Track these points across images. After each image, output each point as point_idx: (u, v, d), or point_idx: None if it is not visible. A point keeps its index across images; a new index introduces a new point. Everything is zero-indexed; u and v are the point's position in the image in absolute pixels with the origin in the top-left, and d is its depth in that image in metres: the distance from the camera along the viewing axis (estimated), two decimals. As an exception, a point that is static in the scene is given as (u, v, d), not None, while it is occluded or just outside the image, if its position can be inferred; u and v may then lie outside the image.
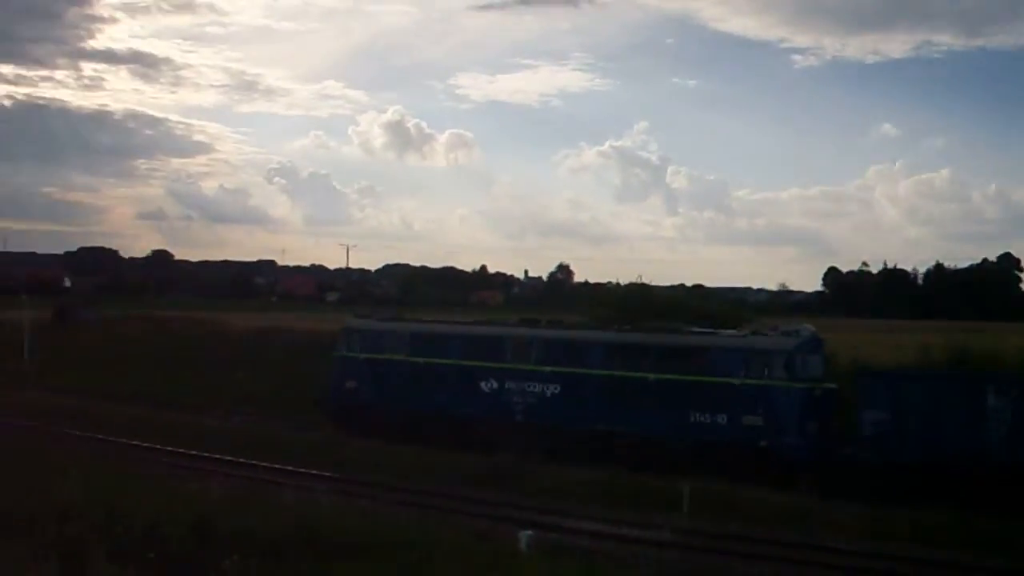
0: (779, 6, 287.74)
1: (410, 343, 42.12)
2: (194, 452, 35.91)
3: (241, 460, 34.66)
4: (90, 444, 37.00)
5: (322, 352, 47.53)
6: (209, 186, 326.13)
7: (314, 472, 32.66)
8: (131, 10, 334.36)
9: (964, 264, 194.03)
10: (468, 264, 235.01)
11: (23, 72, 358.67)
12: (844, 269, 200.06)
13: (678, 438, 34.51)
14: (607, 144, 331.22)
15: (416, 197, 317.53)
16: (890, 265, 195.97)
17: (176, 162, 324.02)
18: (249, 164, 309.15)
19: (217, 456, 35.20)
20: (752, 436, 33.54)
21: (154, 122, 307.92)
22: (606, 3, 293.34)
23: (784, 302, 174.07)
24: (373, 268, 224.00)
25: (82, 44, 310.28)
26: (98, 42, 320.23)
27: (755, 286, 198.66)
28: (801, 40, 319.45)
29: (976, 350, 42.86)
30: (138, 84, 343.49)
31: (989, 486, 28.99)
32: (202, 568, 16.64)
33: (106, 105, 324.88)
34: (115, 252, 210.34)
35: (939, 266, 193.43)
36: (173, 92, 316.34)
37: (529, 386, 38.33)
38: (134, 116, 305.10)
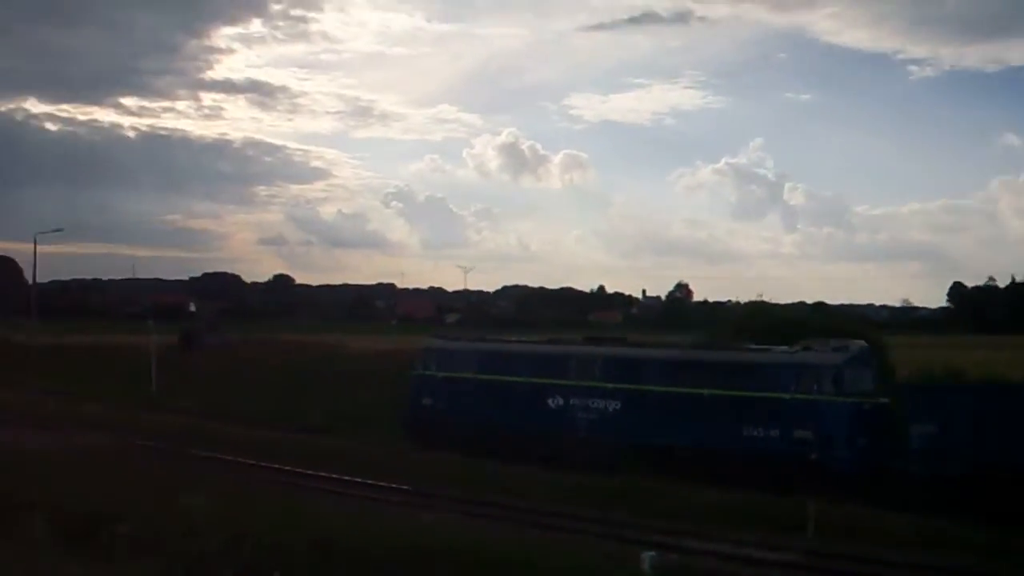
0: (894, 17, 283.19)
1: (482, 361, 43.65)
2: (315, 472, 36.15)
3: (357, 479, 34.84)
4: (215, 464, 37.52)
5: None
6: (327, 211, 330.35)
7: (429, 492, 32.64)
8: (247, 40, 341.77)
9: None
10: (585, 284, 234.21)
11: (146, 104, 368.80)
12: (969, 284, 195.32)
13: (732, 452, 35.04)
14: (722, 161, 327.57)
15: (532, 218, 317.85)
16: (1019, 279, 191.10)
17: (295, 188, 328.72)
18: (366, 189, 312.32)
19: (336, 476, 35.44)
20: (802, 450, 34.02)
21: (272, 149, 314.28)
22: (717, 20, 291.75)
23: (908, 319, 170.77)
24: (491, 289, 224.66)
25: (201, 75, 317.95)
26: (216, 73, 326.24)
27: (877, 303, 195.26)
28: (917, 51, 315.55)
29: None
30: (256, 112, 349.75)
31: None
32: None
33: (226, 134, 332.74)
34: (238, 277, 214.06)
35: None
36: (290, 120, 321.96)
37: (592, 402, 39.42)
38: (253, 144, 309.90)
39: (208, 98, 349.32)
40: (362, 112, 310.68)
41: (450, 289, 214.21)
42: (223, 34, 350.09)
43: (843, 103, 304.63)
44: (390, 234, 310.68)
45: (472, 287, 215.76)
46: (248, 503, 24.57)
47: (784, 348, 37.60)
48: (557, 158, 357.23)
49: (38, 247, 67.42)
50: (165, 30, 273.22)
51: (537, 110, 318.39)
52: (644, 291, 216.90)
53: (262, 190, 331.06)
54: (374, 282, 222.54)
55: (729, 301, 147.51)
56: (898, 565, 24.98)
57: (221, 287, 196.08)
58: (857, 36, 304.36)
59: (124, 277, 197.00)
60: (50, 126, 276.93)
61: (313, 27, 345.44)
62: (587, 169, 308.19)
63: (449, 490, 33.01)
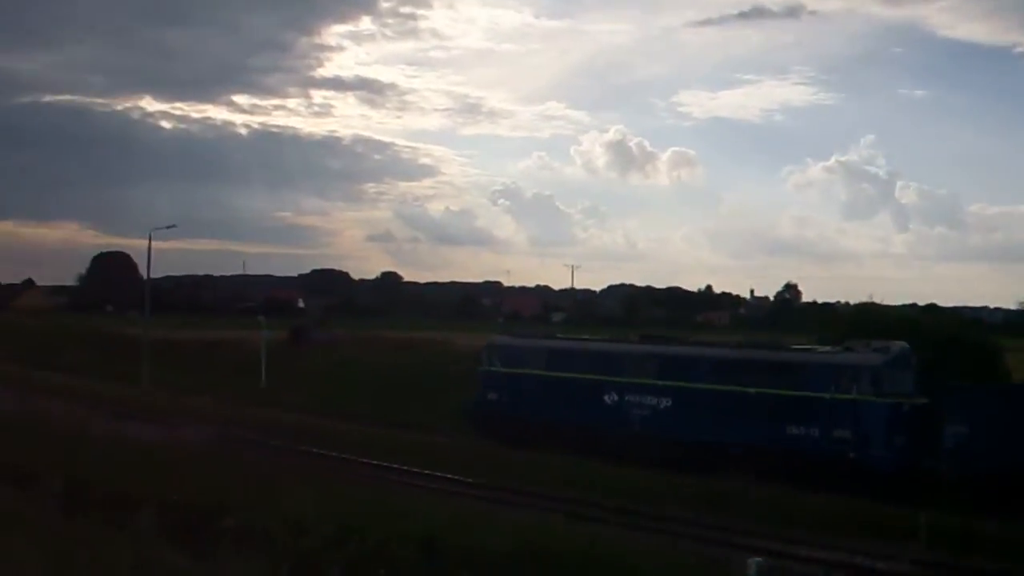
0: (1012, 9, 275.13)
1: (543, 358, 45.72)
2: (421, 470, 36.16)
3: (460, 478, 34.91)
4: (321, 460, 37.75)
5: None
6: (435, 208, 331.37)
7: (534, 491, 32.56)
8: (357, 38, 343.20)
9: None
10: (693, 284, 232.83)
11: (257, 102, 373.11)
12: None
13: (775, 450, 35.91)
14: (833, 159, 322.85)
15: (639, 216, 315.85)
16: None
17: (403, 185, 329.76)
18: (474, 186, 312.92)
19: (440, 474, 35.43)
20: (841, 448, 34.98)
21: (381, 147, 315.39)
22: (829, 14, 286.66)
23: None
24: (598, 288, 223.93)
25: (311, 73, 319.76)
26: (326, 70, 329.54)
27: (992, 305, 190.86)
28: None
29: None
30: (365, 110, 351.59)
31: None
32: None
33: (335, 131, 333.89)
34: (346, 274, 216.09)
35: None
36: (398, 117, 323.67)
37: (645, 399, 40.96)
38: (362, 141, 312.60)
39: (318, 95, 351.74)
40: (470, 109, 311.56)
41: (556, 287, 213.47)
42: (333, 32, 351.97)
43: (958, 99, 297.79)
44: (497, 231, 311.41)
45: (579, 285, 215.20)
46: (354, 500, 24.56)
47: (827, 348, 39.02)
48: (665, 155, 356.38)
49: (152, 243, 68.13)
50: (276, 28, 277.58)
51: (645, 107, 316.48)
52: (752, 291, 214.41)
53: (371, 187, 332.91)
54: (481, 280, 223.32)
55: (838, 302, 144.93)
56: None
57: (330, 284, 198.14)
58: (973, 29, 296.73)
59: (235, 273, 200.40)
60: (165, 124, 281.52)
61: (422, 24, 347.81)
62: (695, 166, 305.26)
63: (550, 489, 32.96)
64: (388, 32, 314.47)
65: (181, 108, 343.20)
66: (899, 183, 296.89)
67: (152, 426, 42.46)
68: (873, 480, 33.11)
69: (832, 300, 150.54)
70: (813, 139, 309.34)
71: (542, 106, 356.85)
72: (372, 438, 43.17)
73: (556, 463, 36.60)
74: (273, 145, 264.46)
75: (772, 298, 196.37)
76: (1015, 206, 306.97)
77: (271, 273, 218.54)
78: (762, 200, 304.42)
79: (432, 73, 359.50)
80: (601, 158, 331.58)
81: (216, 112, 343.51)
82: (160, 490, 24.20)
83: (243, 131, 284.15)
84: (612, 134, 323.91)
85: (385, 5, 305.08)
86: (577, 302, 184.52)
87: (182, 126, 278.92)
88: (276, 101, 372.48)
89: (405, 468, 36.47)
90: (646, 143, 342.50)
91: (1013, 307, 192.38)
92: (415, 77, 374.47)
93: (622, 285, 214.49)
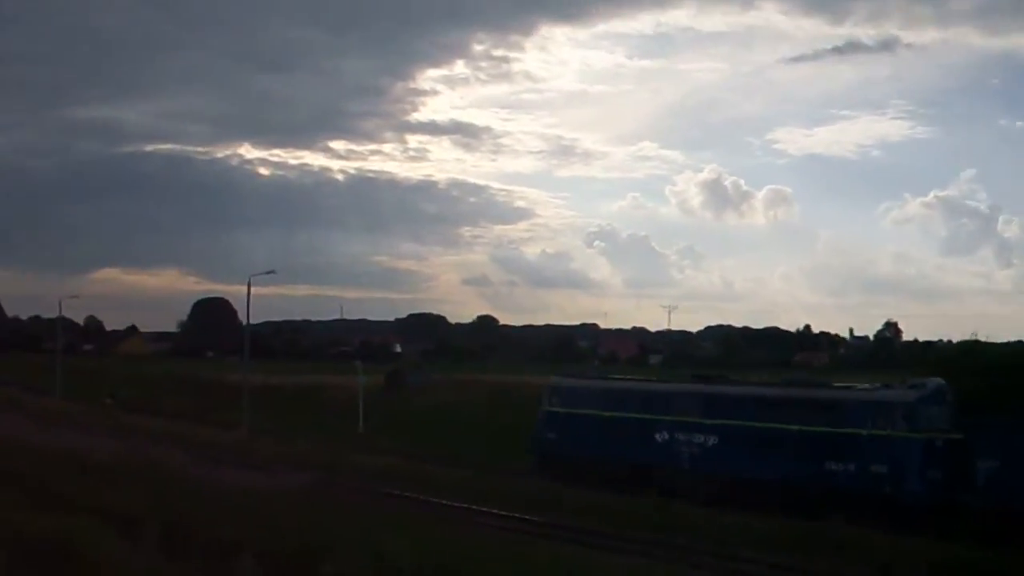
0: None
1: (597, 398, 47.26)
2: (519, 515, 35.87)
3: (557, 522, 34.53)
4: (419, 505, 37.63)
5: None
6: (531, 251, 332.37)
7: (620, 534, 32.39)
8: (451, 82, 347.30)
9: None
10: (791, 323, 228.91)
11: (354, 147, 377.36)
12: None
13: (815, 485, 37.01)
14: (931, 194, 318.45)
15: (736, 256, 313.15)
16: None
17: (498, 228, 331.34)
18: (569, 228, 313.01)
19: (538, 519, 35.15)
20: (878, 483, 35.84)
21: (476, 190, 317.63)
22: (925, 46, 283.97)
23: None
24: (695, 329, 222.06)
25: (407, 117, 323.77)
26: (422, 114, 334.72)
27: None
28: None
29: None
30: (460, 153, 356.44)
31: None
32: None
33: (430, 175, 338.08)
34: (442, 318, 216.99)
35: None
36: (493, 160, 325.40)
37: (694, 436, 42.20)
38: (457, 185, 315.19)
39: (414, 140, 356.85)
40: (564, 151, 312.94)
41: (653, 329, 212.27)
42: (428, 76, 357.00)
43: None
44: (593, 273, 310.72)
45: (675, 327, 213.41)
46: (451, 545, 24.39)
47: (865, 386, 40.54)
48: (761, 194, 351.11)
49: (251, 289, 68.70)
50: (372, 74, 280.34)
51: (740, 145, 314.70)
52: (851, 330, 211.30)
53: (466, 231, 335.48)
54: (577, 322, 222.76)
55: (940, 340, 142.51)
56: None
57: (426, 328, 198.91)
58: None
59: (332, 318, 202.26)
60: (263, 171, 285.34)
61: (515, 67, 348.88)
62: (791, 204, 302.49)
63: (638, 531, 32.92)
64: (482, 76, 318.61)
65: (279, 155, 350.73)
66: (1001, 217, 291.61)
67: (251, 471, 42.73)
68: (908, 514, 33.76)
69: (934, 338, 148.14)
70: (911, 174, 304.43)
71: (636, 146, 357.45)
72: (468, 482, 42.97)
73: (642, 506, 36.25)
74: (369, 190, 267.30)
75: (872, 337, 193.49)
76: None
77: (367, 318, 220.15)
78: (860, 237, 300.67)
79: (526, 116, 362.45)
80: (696, 198, 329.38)
81: (313, 158, 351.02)
82: (259, 535, 24.19)
83: (339, 176, 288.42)
84: (707, 173, 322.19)
85: (478, 49, 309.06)
86: (674, 343, 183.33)
87: (280, 172, 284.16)
88: (372, 146, 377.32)
89: (503, 513, 36.20)
90: (741, 182, 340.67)
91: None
92: (509, 120, 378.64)
93: (719, 326, 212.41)
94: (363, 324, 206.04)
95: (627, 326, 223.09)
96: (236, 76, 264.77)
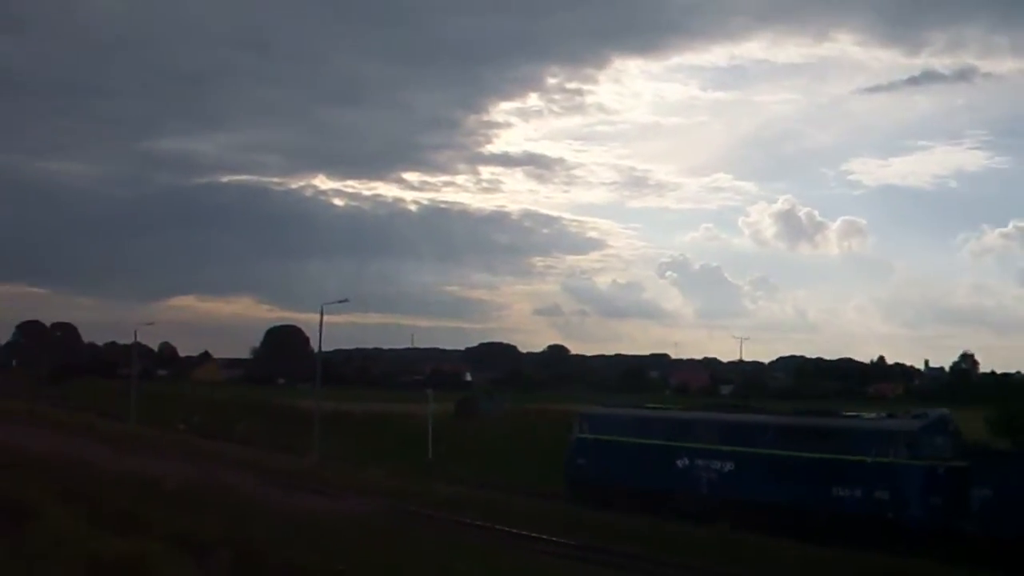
0: None
1: (623, 426, 48.60)
2: (588, 543, 35.72)
3: (622, 550, 34.37)
4: (487, 534, 37.57)
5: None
6: (602, 281, 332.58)
7: (676, 562, 32.64)
8: (524, 115, 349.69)
9: None
10: (864, 355, 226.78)
11: (427, 179, 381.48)
12: None
13: (823, 511, 38.17)
14: (1011, 225, 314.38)
15: (809, 287, 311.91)
16: None
17: (570, 259, 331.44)
18: (641, 259, 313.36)
19: (602, 546, 34.95)
20: (881, 509, 36.92)
21: (548, 221, 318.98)
22: (1002, 76, 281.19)
23: None
24: (767, 360, 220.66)
25: (480, 149, 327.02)
26: (495, 147, 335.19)
27: None
28: None
29: None
30: (532, 185, 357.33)
31: None
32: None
33: (503, 206, 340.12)
34: (513, 347, 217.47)
35: None
36: (566, 191, 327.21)
37: (712, 463, 43.34)
38: (530, 216, 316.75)
39: (486, 171, 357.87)
40: (637, 182, 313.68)
41: (724, 360, 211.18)
42: (501, 109, 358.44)
43: None
44: (664, 304, 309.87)
45: (747, 357, 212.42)
46: (520, 573, 24.38)
47: (872, 416, 42.11)
48: (835, 225, 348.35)
49: (324, 317, 69.27)
50: (445, 107, 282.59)
51: (814, 176, 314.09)
52: (927, 362, 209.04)
53: (538, 261, 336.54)
54: (648, 352, 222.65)
55: (1017, 372, 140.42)
56: None
57: (497, 357, 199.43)
58: None
59: (403, 347, 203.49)
60: (337, 201, 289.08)
61: (589, 99, 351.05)
62: (866, 235, 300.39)
63: (693, 559, 33.10)
64: (555, 108, 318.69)
65: (353, 186, 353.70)
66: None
67: (322, 497, 42.92)
68: (909, 539, 34.87)
69: (1011, 371, 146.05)
70: (989, 204, 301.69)
71: (709, 178, 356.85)
72: (538, 511, 42.85)
73: (701, 535, 36.19)
74: (442, 221, 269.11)
75: (948, 369, 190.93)
76: None
77: (438, 346, 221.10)
78: (936, 268, 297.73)
79: (599, 147, 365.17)
80: (770, 229, 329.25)
81: (386, 189, 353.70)
82: (330, 562, 24.33)
83: (412, 207, 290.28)
84: (781, 204, 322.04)
85: (552, 82, 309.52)
86: (746, 374, 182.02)
87: (353, 203, 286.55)
88: (445, 178, 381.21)
89: (571, 543, 36.06)
90: (815, 213, 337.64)
91: None
92: (582, 152, 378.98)
93: (792, 357, 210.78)
94: (434, 353, 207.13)
95: (698, 356, 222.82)
96: (311, 109, 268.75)
